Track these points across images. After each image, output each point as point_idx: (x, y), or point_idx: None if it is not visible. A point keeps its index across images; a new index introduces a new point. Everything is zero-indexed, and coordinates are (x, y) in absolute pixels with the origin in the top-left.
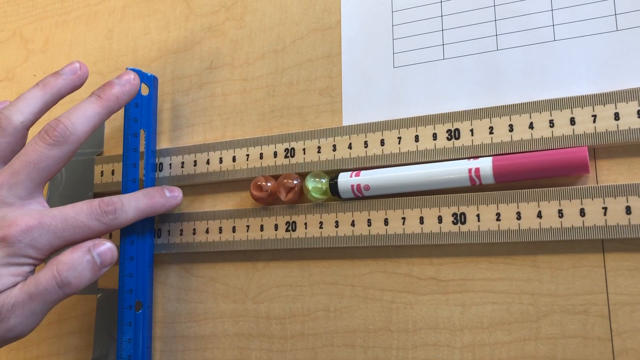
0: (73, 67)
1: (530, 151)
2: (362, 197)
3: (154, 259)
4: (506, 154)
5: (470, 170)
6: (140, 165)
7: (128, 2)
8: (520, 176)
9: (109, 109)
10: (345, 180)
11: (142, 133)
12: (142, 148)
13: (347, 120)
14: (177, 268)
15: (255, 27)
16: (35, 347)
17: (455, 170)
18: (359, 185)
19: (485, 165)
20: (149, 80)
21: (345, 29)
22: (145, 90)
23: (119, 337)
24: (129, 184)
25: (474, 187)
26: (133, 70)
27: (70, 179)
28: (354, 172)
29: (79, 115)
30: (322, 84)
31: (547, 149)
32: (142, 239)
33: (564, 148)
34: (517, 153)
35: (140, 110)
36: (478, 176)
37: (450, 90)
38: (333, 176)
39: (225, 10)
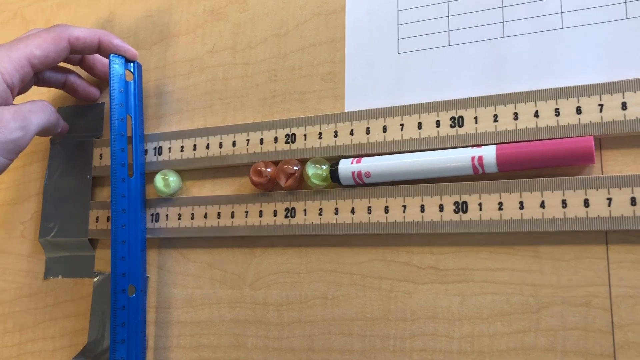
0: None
1: (535, 140)
2: (362, 184)
3: (146, 242)
4: (510, 142)
5: (473, 158)
6: (128, 149)
7: None
8: (524, 165)
9: None
10: (346, 166)
11: (129, 119)
12: (129, 133)
13: (350, 106)
14: (175, 253)
15: (258, 11)
16: (30, 331)
17: (458, 158)
18: (359, 172)
19: (488, 153)
20: (133, 67)
21: (349, 14)
22: (129, 77)
23: (112, 321)
24: (118, 168)
25: (477, 175)
26: (116, 57)
27: (69, 161)
28: (355, 159)
29: None
30: (324, 69)
31: (552, 138)
32: (134, 223)
33: (570, 137)
34: (521, 142)
35: (126, 96)
36: (481, 164)
37: (455, 77)
38: (334, 162)
39: None
